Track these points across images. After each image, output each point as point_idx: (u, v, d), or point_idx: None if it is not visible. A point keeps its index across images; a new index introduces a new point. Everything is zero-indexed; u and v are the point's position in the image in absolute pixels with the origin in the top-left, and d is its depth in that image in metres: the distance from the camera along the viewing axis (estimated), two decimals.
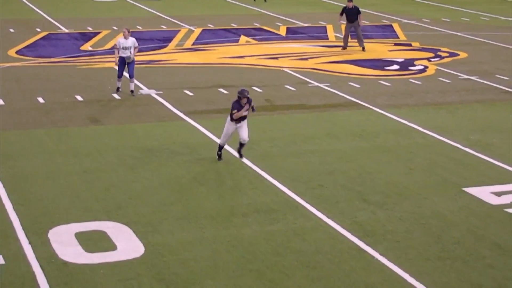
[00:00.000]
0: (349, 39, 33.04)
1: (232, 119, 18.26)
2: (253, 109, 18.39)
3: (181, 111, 23.02)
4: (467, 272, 13.33)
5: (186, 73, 28.25)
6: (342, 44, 33.33)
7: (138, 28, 37.25)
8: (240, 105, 18.14)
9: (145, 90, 25.02)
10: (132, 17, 41.10)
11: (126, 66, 24.29)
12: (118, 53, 24.22)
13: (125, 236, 14.56)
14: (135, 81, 24.82)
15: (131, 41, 24.20)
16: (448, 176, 17.99)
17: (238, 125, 18.36)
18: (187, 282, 12.88)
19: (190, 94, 25.13)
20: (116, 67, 24.54)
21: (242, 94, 18.14)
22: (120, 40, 24.29)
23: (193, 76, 27.74)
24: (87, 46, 33.00)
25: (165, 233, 14.72)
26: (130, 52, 24.12)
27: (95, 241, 14.34)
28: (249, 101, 18.27)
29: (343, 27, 33.64)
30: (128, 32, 24.32)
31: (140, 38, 28.61)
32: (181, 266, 13.44)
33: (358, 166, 18.57)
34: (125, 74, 24.57)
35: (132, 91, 24.47)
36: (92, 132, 20.99)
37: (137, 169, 18.09)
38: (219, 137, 18.87)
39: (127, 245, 14.20)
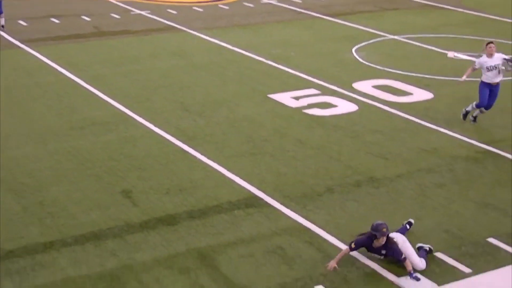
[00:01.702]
0: None
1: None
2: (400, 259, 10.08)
3: (17, 40, 21.95)
4: (275, 164, 13.68)
5: (19, 6, 26.87)
6: None
7: None
8: (373, 246, 10.18)
9: None
10: None
11: None
12: None
13: None
14: None
15: None
16: (255, 85, 18.24)
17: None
18: (34, 189, 12.51)
19: (25, 24, 23.97)
20: None
21: (380, 232, 10.00)
22: None
23: (26, 8, 26.44)
24: None
25: (12, 149, 14.16)
26: None
27: None
28: (390, 241, 10.12)
29: None
30: None
31: None
32: (28, 176, 13.01)
33: (178, 81, 18.47)
34: None
35: (3, 26, 23.12)
36: None
37: None
38: (54, 61, 18.17)
39: None
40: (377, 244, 10.11)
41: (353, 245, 10.15)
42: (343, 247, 10.63)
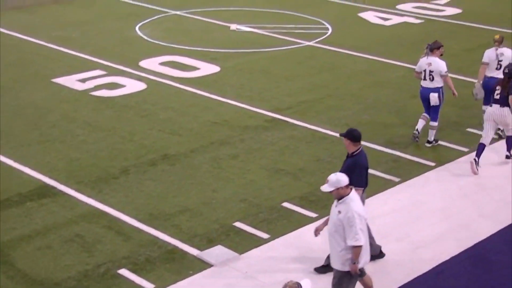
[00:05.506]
0: None
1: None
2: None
3: None
4: (65, 150, 13.25)
5: None
6: None
7: None
8: None
9: None
10: None
11: None
12: None
13: None
14: None
15: None
16: (38, 69, 17.54)
17: None
18: None
19: None
20: None
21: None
22: None
23: None
24: None
25: None
26: None
27: None
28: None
29: None
30: None
31: None
32: None
33: None
34: None
35: None
36: None
37: None
38: None
39: None
40: None
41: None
42: (143, 227, 10.57)
